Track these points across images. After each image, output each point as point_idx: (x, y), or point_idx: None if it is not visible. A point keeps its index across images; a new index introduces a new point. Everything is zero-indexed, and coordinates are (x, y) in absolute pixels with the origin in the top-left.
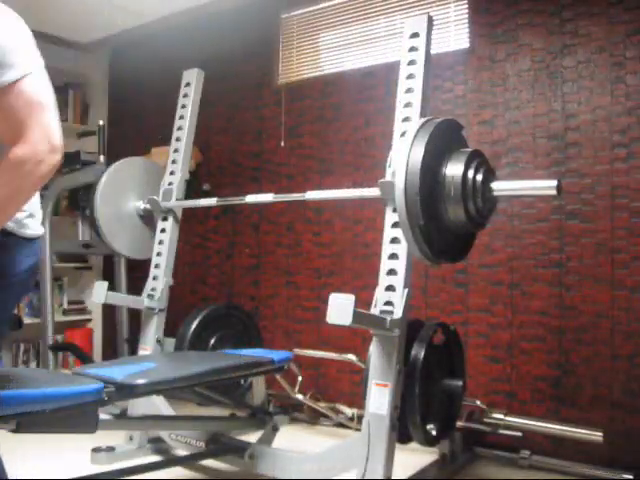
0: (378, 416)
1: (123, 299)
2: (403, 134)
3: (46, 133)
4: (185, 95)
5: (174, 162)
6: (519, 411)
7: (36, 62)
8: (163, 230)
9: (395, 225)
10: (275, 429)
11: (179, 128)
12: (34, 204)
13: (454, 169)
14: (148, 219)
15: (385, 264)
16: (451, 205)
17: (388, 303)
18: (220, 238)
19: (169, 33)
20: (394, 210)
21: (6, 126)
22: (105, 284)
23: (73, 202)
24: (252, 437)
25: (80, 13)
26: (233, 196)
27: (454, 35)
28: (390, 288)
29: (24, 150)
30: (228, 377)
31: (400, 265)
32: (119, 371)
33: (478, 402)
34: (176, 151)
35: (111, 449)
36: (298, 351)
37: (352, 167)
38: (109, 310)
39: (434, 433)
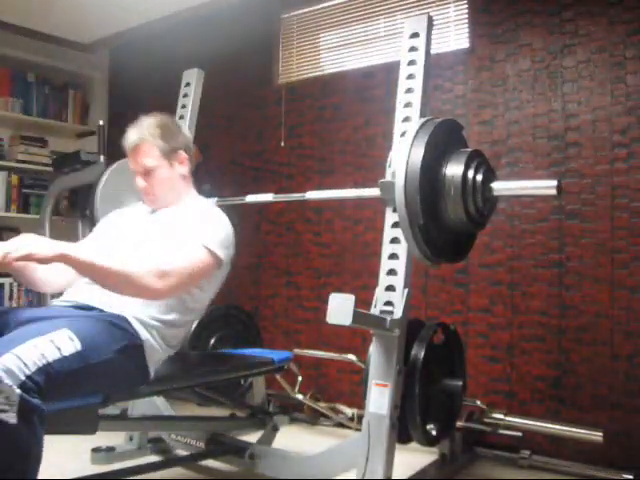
0: (378, 416)
1: None
2: (403, 134)
3: (172, 287)
4: (185, 95)
5: None
6: (519, 411)
7: (223, 255)
8: None
9: (395, 225)
10: (275, 429)
11: None
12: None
13: (454, 169)
14: None
15: (385, 264)
16: (451, 205)
17: (388, 303)
18: None
19: (169, 33)
20: (394, 210)
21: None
22: None
23: (73, 202)
24: (252, 437)
25: (80, 13)
26: (233, 196)
27: (454, 35)
28: (390, 288)
29: (159, 277)
30: (228, 377)
31: (400, 265)
32: None
33: (478, 402)
34: None
35: (111, 449)
36: (298, 351)
37: (352, 167)
38: None
39: (434, 433)
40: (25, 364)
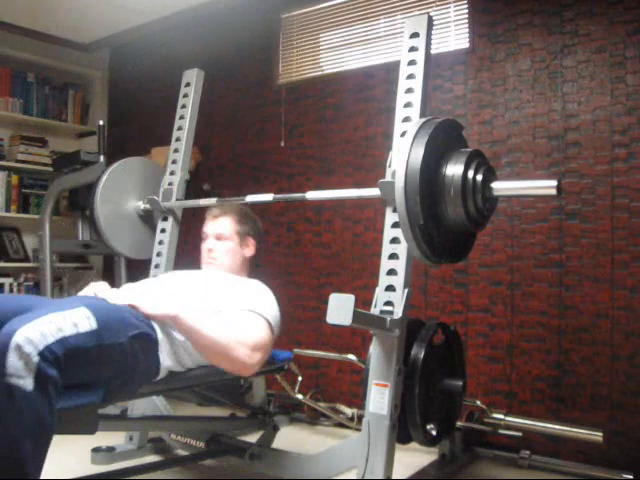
0: (378, 416)
1: None
2: (403, 134)
3: (259, 362)
4: (185, 95)
5: (174, 162)
6: (519, 411)
7: (277, 332)
8: (163, 230)
9: (395, 225)
10: (275, 429)
11: (179, 128)
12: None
13: (454, 169)
14: (148, 219)
15: (385, 264)
16: (451, 205)
17: (388, 303)
18: None
19: (169, 33)
20: (394, 210)
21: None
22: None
23: (73, 202)
24: (252, 437)
25: (80, 13)
26: (233, 196)
27: (454, 35)
28: (390, 288)
29: (247, 348)
30: (228, 377)
31: (400, 265)
32: None
33: (478, 402)
34: (176, 151)
35: (111, 449)
36: (298, 351)
37: (352, 167)
38: None
39: (434, 433)
40: (43, 335)
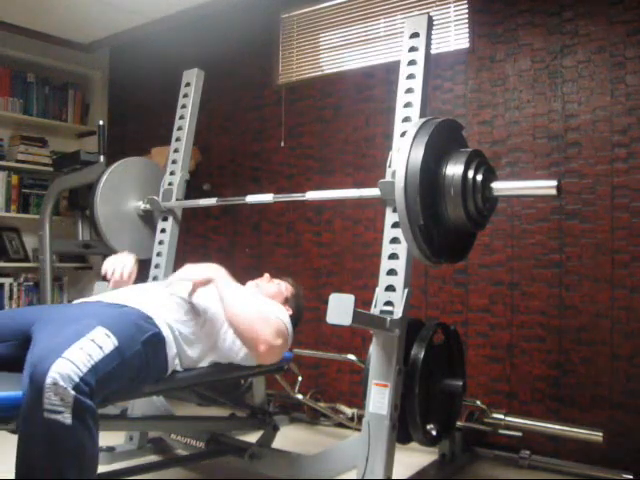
0: (378, 416)
1: None
2: (403, 134)
3: (282, 347)
4: (185, 95)
5: (174, 162)
6: (519, 411)
7: (289, 336)
8: (163, 230)
9: (395, 225)
10: (275, 429)
11: (179, 128)
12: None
13: (454, 169)
14: (148, 219)
15: (385, 264)
16: (451, 205)
17: (388, 303)
18: (220, 238)
19: (169, 33)
20: (394, 210)
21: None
22: (105, 284)
23: (73, 202)
24: (252, 437)
25: (80, 13)
26: (233, 196)
27: (454, 35)
28: (390, 288)
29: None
30: (228, 377)
31: (400, 265)
32: None
33: (478, 402)
34: (176, 151)
35: (111, 449)
36: (298, 351)
37: (352, 167)
38: None
39: (434, 433)
40: (77, 367)
